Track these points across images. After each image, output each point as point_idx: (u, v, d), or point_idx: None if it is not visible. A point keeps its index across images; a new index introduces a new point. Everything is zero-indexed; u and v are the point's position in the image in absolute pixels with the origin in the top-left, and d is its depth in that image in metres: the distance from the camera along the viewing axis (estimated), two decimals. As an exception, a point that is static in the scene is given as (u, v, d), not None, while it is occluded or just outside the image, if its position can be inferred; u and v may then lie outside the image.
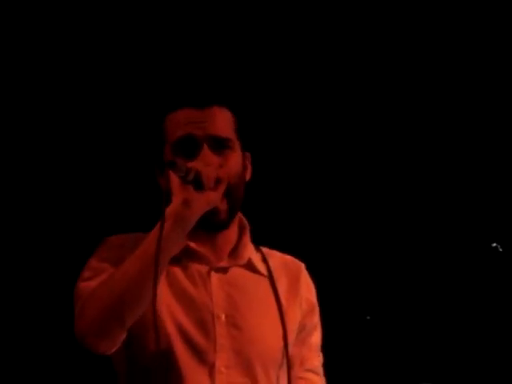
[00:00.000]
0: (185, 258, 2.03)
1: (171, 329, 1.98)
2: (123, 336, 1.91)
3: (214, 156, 1.96)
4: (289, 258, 2.17)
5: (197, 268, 2.03)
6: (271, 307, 2.04)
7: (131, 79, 3.71)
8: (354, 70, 3.81)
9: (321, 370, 2.15)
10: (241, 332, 2.01)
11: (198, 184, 1.85)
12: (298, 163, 3.94)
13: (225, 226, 2.03)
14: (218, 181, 1.91)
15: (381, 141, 3.97)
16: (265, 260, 2.10)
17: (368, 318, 4.10)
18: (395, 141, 3.97)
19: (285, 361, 2.03)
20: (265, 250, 2.15)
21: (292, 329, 2.06)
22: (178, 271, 2.03)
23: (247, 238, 2.10)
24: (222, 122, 2.02)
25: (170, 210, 1.85)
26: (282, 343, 2.02)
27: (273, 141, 3.79)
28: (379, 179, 4.00)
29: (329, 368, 2.18)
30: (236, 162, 2.01)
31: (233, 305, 2.02)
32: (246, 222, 2.12)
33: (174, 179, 1.86)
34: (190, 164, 1.86)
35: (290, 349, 2.05)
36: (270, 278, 2.07)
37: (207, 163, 1.92)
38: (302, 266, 2.17)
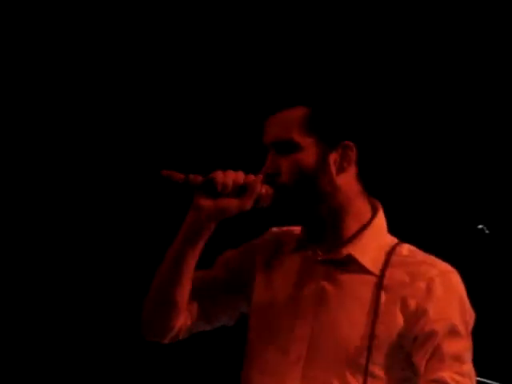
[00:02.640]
0: (297, 251, 2.12)
1: (259, 317, 2.11)
2: (167, 331, 2.09)
3: (279, 159, 2.03)
4: (430, 260, 2.08)
5: (303, 261, 2.09)
6: (365, 307, 2.01)
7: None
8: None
9: (452, 382, 1.97)
10: (321, 326, 2.02)
11: (209, 190, 1.94)
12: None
13: (303, 217, 2.06)
14: (243, 188, 1.97)
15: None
16: (388, 259, 2.04)
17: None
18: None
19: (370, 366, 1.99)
20: (407, 248, 2.10)
21: (385, 333, 2.00)
22: (283, 264, 2.12)
23: (365, 232, 2.06)
24: (283, 124, 2.06)
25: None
26: (364, 344, 1.99)
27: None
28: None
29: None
30: (299, 160, 2.03)
31: (322, 298, 2.04)
32: (375, 214, 2.10)
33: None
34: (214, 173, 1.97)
35: (384, 352, 2.00)
36: (380, 278, 2.02)
37: (267, 169, 2.03)
38: (435, 270, 2.04)
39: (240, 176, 1.97)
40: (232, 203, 1.96)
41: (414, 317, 2.00)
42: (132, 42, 3.87)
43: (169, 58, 3.89)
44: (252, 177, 1.99)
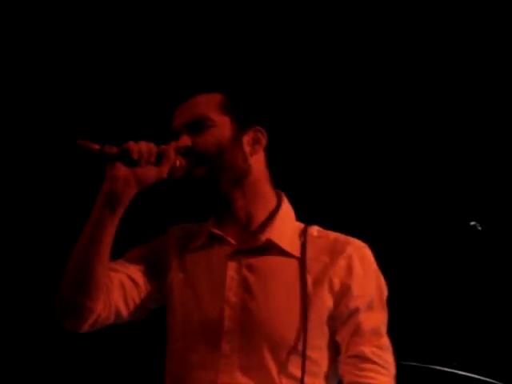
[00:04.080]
0: (210, 244, 2.15)
1: (182, 314, 2.12)
2: (87, 313, 2.03)
3: (192, 137, 2.09)
4: (343, 238, 2.14)
5: (219, 252, 2.13)
6: (293, 291, 2.05)
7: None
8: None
9: (372, 356, 2.05)
10: (251, 316, 2.04)
11: (126, 160, 1.96)
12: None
13: (217, 195, 2.09)
14: (160, 155, 2.00)
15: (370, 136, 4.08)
16: (304, 241, 2.11)
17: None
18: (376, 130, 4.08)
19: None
20: (316, 229, 2.15)
21: (316, 315, 2.04)
22: (199, 258, 2.15)
23: (277, 217, 2.12)
24: (196, 106, 2.13)
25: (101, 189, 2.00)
26: (298, 328, 2.02)
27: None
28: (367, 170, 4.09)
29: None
30: (214, 134, 2.10)
31: (247, 288, 2.06)
32: (281, 201, 2.16)
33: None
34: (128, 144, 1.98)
35: (316, 334, 2.05)
36: (301, 260, 2.07)
37: (178, 144, 2.06)
38: (351, 247, 2.10)
39: (153, 145, 2.00)
40: (149, 171, 1.98)
41: (340, 295, 2.06)
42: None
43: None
44: (165, 146, 2.03)
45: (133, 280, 2.14)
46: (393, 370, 2.09)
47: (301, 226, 2.16)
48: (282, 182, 2.20)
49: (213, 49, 3.81)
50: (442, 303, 4.02)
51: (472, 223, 3.97)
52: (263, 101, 2.23)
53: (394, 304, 4.01)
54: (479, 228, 3.96)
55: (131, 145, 1.96)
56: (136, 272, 2.15)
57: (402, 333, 3.95)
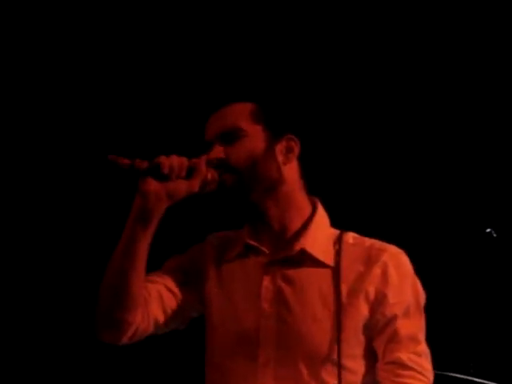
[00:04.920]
0: (246, 254, 2.14)
1: (219, 324, 2.12)
2: (126, 326, 2.02)
3: (225, 148, 2.07)
4: (378, 245, 2.11)
5: (255, 262, 2.11)
6: (328, 301, 2.03)
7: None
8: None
9: (409, 362, 2.03)
10: (286, 326, 2.03)
11: (157, 175, 1.94)
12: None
13: (249, 205, 2.07)
14: (191, 169, 1.98)
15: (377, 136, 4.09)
16: (338, 249, 2.09)
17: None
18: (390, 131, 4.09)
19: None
20: (353, 237, 2.13)
21: (351, 325, 2.03)
22: (235, 268, 2.14)
23: (311, 226, 2.10)
24: (228, 116, 2.11)
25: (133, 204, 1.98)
26: (333, 338, 2.01)
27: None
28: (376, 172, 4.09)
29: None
30: (247, 145, 2.07)
31: (282, 299, 2.05)
32: (316, 209, 2.14)
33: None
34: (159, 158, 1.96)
35: (352, 343, 2.04)
36: (335, 269, 2.05)
37: (209, 156, 2.04)
38: (386, 254, 2.08)
39: (184, 159, 1.98)
40: (180, 185, 1.96)
41: (376, 303, 2.04)
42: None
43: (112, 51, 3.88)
44: (196, 160, 2.00)
45: (170, 290, 2.14)
46: (431, 376, 2.07)
47: (336, 232, 2.14)
48: (317, 188, 2.19)
49: (242, 58, 3.81)
50: (459, 310, 4.02)
51: (488, 230, 3.97)
52: (295, 109, 2.20)
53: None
54: (495, 235, 3.96)
55: (162, 159, 1.95)
56: (174, 282, 2.15)
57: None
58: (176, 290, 2.15)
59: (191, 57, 3.86)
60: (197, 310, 2.20)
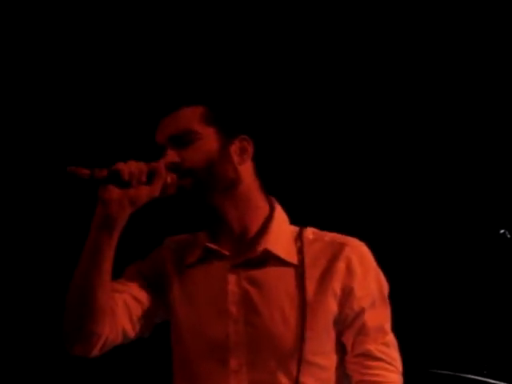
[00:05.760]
0: (207, 258, 2.12)
1: (186, 331, 2.09)
2: (95, 339, 2.00)
3: (179, 152, 2.05)
4: (339, 239, 2.12)
5: (217, 266, 2.10)
6: (294, 300, 2.03)
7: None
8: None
9: (378, 353, 2.06)
10: (256, 329, 2.03)
11: (118, 182, 1.92)
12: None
13: (208, 208, 2.06)
14: (151, 173, 1.96)
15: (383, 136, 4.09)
16: (300, 246, 2.09)
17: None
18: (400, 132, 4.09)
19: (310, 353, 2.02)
20: (312, 232, 2.13)
21: (320, 322, 2.04)
22: (197, 273, 2.12)
23: (271, 225, 2.10)
24: (180, 120, 2.08)
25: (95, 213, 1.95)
26: (302, 337, 2.01)
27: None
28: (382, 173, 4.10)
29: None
30: (201, 147, 2.06)
31: (249, 301, 2.05)
32: (274, 208, 2.13)
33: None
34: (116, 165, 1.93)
35: (322, 340, 2.05)
36: (299, 268, 2.05)
37: (166, 160, 2.02)
38: (348, 248, 2.09)
39: (143, 164, 1.96)
40: (141, 191, 1.94)
41: (343, 298, 2.04)
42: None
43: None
44: (155, 164, 1.99)
45: (136, 299, 2.12)
46: (399, 366, 2.09)
47: (296, 229, 2.13)
48: (272, 187, 2.18)
49: (192, 60, 3.77)
50: (472, 312, 4.01)
51: (502, 231, 3.96)
52: (246, 109, 2.19)
53: (426, 313, 4.06)
54: (509, 236, 3.95)
55: (121, 166, 1.92)
56: (138, 290, 2.13)
57: (432, 341, 3.99)
58: (141, 297, 2.13)
59: (139, 60, 3.81)
60: (161, 317, 2.19)
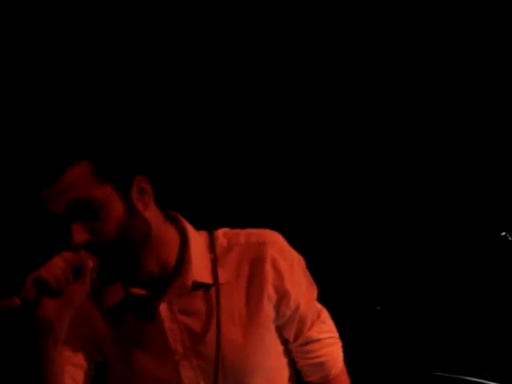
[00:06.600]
0: (129, 301, 2.00)
1: (134, 377, 2.02)
2: None
3: (86, 225, 1.87)
4: (254, 238, 2.03)
5: (144, 306, 2.00)
6: (236, 318, 1.99)
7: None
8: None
9: (319, 335, 2.10)
10: (206, 360, 1.98)
11: (49, 292, 1.81)
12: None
13: (126, 262, 1.93)
14: (75, 268, 1.83)
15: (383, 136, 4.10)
16: (214, 258, 2.00)
17: (378, 308, 4.09)
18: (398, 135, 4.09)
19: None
20: (224, 235, 2.04)
21: (262, 327, 2.00)
22: (123, 317, 2.02)
23: (190, 253, 1.99)
24: (72, 189, 1.86)
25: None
26: (251, 351, 1.99)
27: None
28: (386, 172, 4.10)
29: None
30: (109, 216, 1.88)
31: (190, 333, 1.99)
32: (183, 229, 2.02)
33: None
34: (33, 275, 1.80)
35: (271, 344, 2.05)
36: (225, 284, 1.98)
37: (78, 241, 1.86)
38: (268, 247, 2.01)
39: (61, 262, 1.82)
40: (73, 290, 1.82)
41: (279, 299, 2.00)
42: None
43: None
44: (70, 255, 1.83)
45: (76, 365, 2.02)
46: (336, 332, 2.15)
47: (206, 239, 2.04)
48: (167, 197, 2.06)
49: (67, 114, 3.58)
50: (473, 314, 4.02)
51: (503, 234, 3.97)
52: (131, 150, 1.97)
53: (428, 316, 4.06)
54: (510, 238, 3.96)
55: (44, 275, 1.79)
56: (74, 354, 2.02)
57: (435, 344, 3.99)
58: (79, 361, 2.03)
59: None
60: (97, 360, 2.09)
